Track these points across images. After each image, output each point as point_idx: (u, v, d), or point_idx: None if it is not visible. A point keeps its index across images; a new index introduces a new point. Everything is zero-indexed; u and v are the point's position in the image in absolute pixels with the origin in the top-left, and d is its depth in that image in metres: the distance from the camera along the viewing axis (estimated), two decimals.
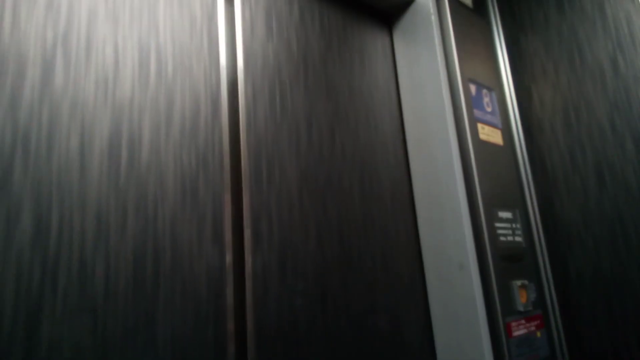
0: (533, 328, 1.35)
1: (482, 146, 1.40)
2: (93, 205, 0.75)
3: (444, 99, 1.35)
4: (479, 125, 1.42)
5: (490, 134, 1.46)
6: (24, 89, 0.72)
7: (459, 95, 1.38)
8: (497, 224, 1.35)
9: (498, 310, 1.24)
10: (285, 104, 1.10)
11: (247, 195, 0.96)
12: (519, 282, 1.33)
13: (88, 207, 0.74)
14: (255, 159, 0.99)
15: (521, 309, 1.30)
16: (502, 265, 1.31)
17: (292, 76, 1.14)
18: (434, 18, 1.41)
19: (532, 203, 1.58)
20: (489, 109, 1.49)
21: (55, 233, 0.71)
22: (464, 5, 1.57)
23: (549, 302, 1.50)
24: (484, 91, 1.50)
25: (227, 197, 0.93)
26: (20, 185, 0.69)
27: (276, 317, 0.94)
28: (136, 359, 0.75)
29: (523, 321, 1.32)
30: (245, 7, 1.10)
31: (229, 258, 0.91)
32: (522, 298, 1.33)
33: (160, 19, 0.92)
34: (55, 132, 0.73)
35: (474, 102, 1.43)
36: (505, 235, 1.37)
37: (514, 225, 1.42)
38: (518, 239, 1.42)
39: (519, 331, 1.28)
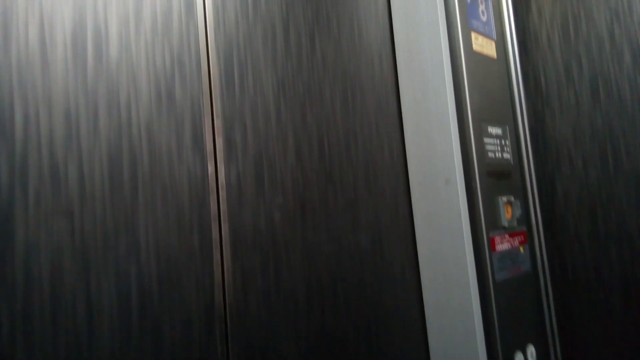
0: (516, 243, 1.42)
1: (475, 57, 1.37)
2: (60, 103, 0.72)
3: (436, 4, 1.31)
4: (473, 35, 1.38)
5: (484, 45, 1.43)
6: None
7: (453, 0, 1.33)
8: (486, 140, 1.37)
9: (482, 224, 1.29)
10: (259, 1, 1.04)
11: (218, 101, 0.93)
12: (504, 199, 1.37)
13: (54, 104, 0.72)
14: (225, 61, 0.96)
15: (506, 224, 1.35)
16: (488, 181, 1.34)
17: None
18: None
19: (522, 119, 1.59)
20: (484, 18, 1.46)
21: (20, 131, 0.69)
22: None
23: (533, 218, 1.57)
24: None
25: (207, 102, 0.91)
26: None
27: (253, 228, 0.95)
28: (120, 262, 0.77)
29: (507, 236, 1.38)
30: None
31: (210, 166, 0.91)
32: (507, 214, 1.38)
33: None
34: (10, 20, 0.69)
35: (468, 9, 1.39)
36: (493, 151, 1.40)
37: (503, 142, 1.44)
38: (506, 155, 1.44)
39: (502, 246, 1.35)
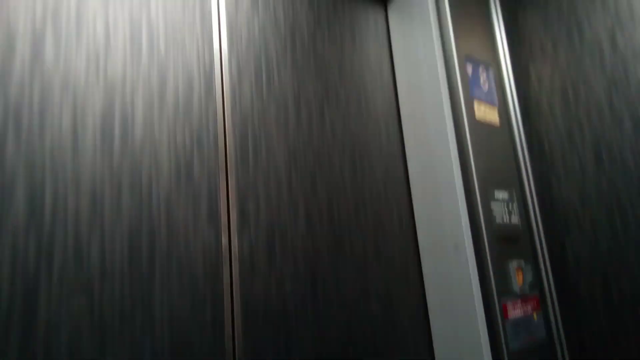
0: (529, 310, 1.41)
1: (478, 124, 1.44)
2: (87, 183, 0.77)
3: (439, 77, 1.39)
4: (475, 103, 1.46)
5: (487, 112, 1.50)
6: (14, 64, 0.74)
7: (455, 72, 1.42)
8: (493, 204, 1.40)
9: (494, 291, 1.29)
10: (272, 80, 1.13)
11: (233, 174, 0.99)
12: (515, 264, 1.38)
13: (82, 185, 0.77)
14: (240, 138, 1.02)
15: (517, 290, 1.35)
16: (498, 246, 1.36)
17: (279, 52, 1.17)
18: None
19: (529, 183, 1.63)
20: (485, 87, 1.54)
21: (49, 211, 0.73)
22: None
23: (545, 283, 1.56)
24: (481, 68, 1.54)
25: (222, 177, 0.96)
26: (13, 162, 0.71)
27: (264, 299, 0.97)
28: (134, 339, 0.79)
29: (519, 302, 1.37)
30: None
31: (224, 238, 0.95)
32: (518, 279, 1.38)
33: None
34: (47, 108, 0.76)
35: (470, 80, 1.47)
36: (501, 215, 1.42)
37: (510, 206, 1.47)
38: (514, 219, 1.47)
39: (515, 313, 1.34)
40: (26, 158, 0.73)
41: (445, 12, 1.46)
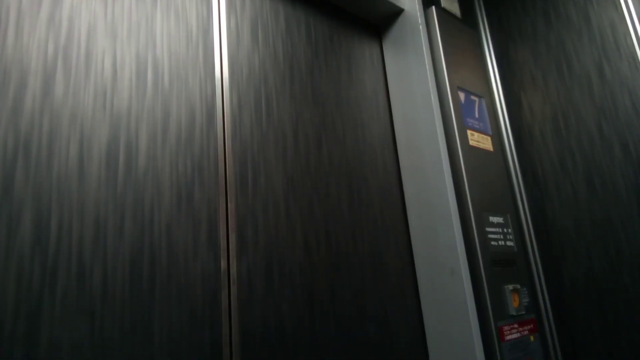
0: (526, 332, 1.38)
1: (472, 152, 1.44)
2: (91, 211, 0.79)
3: (433, 107, 1.40)
4: (469, 132, 1.47)
5: (480, 140, 1.51)
6: (26, 99, 0.77)
7: (448, 102, 1.43)
8: (488, 229, 1.40)
9: (490, 314, 1.28)
10: (271, 111, 1.15)
11: (233, 200, 1.00)
12: (511, 287, 1.36)
13: (86, 212, 0.78)
14: (240, 166, 1.03)
15: (514, 313, 1.33)
16: (493, 269, 1.34)
17: (278, 84, 1.19)
18: (422, 28, 1.47)
19: (523, 208, 1.62)
20: (478, 116, 1.55)
21: (54, 238, 0.74)
22: (452, 15, 1.63)
23: (542, 306, 1.54)
24: (473, 98, 1.55)
25: (222, 203, 0.97)
26: (22, 191, 0.73)
27: (262, 322, 0.97)
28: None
29: (516, 325, 1.35)
30: (231, 17, 1.15)
31: (223, 262, 0.95)
32: (514, 302, 1.36)
33: (157, 33, 0.97)
34: (55, 140, 0.78)
35: (463, 110, 1.48)
36: (496, 239, 1.41)
37: (505, 230, 1.47)
38: (510, 243, 1.46)
39: (511, 335, 1.32)
40: (34, 187, 0.74)
41: (438, 45, 1.49)
